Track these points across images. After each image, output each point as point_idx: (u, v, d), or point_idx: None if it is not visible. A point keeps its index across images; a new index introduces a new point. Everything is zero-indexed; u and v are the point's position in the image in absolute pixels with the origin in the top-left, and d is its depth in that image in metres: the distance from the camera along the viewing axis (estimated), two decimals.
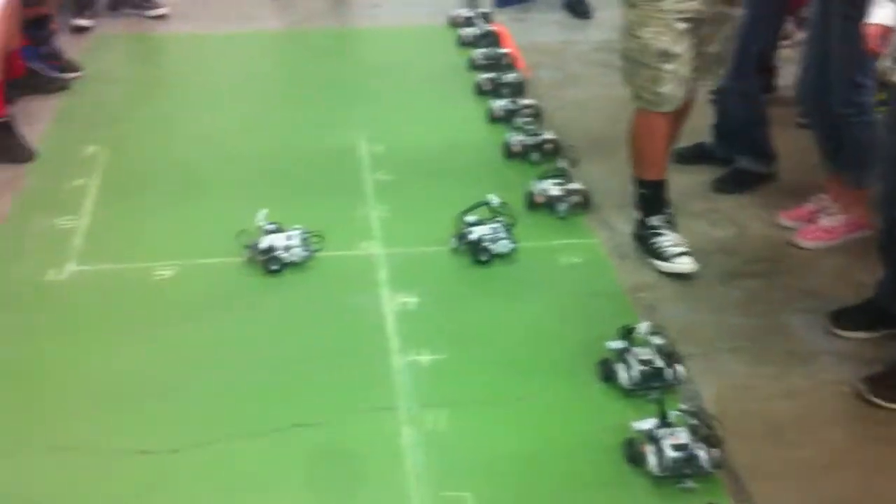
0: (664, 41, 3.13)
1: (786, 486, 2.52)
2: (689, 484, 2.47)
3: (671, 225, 3.41)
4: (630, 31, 3.20)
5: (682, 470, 2.47)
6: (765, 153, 3.87)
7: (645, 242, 3.39)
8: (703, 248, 3.48)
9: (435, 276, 3.33)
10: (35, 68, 4.70)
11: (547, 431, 2.68)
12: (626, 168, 3.69)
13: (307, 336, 3.04)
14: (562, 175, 3.73)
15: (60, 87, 4.72)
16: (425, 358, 2.93)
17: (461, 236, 3.42)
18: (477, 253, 3.37)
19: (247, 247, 3.35)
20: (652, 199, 3.40)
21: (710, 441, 2.51)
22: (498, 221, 3.45)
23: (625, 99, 4.57)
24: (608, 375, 2.82)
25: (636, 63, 3.22)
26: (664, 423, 2.54)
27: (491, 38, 5.15)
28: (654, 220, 3.38)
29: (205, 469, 2.54)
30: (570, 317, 3.14)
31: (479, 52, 5.00)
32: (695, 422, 2.52)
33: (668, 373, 2.77)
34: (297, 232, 3.39)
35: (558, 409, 2.75)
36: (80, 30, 5.34)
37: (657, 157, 3.37)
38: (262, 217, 3.41)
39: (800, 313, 3.16)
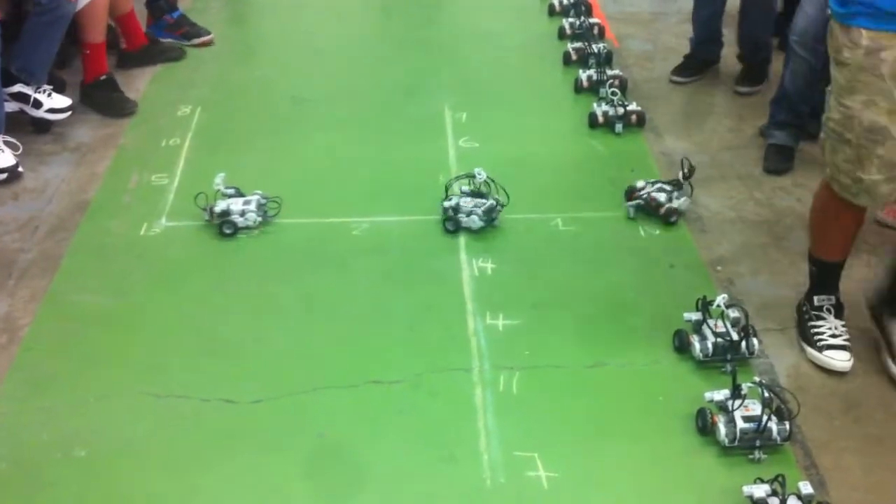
0: (877, 113, 2.51)
1: (856, 460, 2.52)
2: (759, 455, 2.49)
3: (836, 309, 2.91)
4: (837, 97, 2.58)
5: (752, 441, 2.49)
6: None
7: (802, 323, 2.95)
8: (786, 224, 3.47)
9: (514, 242, 3.37)
10: (163, 40, 4.86)
11: (618, 398, 2.71)
12: (710, 143, 3.67)
13: (390, 297, 3.11)
14: (674, 185, 3.54)
15: (176, 57, 4.79)
16: (501, 322, 2.98)
17: (443, 206, 3.45)
18: (446, 222, 3.40)
19: (203, 209, 3.44)
20: (819, 276, 2.92)
21: (782, 414, 2.53)
22: (480, 196, 3.45)
23: (713, 74, 4.51)
24: (683, 346, 2.84)
25: (838, 138, 2.60)
26: (736, 394, 2.56)
27: (581, 8, 5.14)
28: (819, 301, 2.91)
29: (284, 420, 2.64)
30: (648, 287, 3.15)
31: (568, 22, 5.00)
32: (767, 394, 2.53)
33: (743, 346, 2.78)
34: (255, 197, 3.46)
35: (630, 376, 2.78)
36: None
37: (836, 240, 2.86)
38: (220, 180, 3.48)
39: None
